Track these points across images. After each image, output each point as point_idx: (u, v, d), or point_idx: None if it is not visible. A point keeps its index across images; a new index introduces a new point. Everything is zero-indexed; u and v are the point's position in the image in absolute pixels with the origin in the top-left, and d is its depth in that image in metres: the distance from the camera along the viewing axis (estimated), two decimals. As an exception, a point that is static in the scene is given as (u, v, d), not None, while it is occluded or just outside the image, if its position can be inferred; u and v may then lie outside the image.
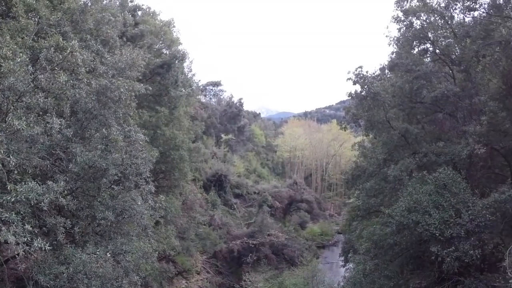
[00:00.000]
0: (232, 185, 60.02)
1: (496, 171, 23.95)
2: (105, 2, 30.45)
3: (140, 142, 17.21)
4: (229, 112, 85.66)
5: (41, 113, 12.75)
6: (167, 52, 40.50)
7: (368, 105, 29.01)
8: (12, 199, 10.77)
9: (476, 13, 26.64)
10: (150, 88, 26.70)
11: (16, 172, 11.28)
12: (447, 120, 26.57)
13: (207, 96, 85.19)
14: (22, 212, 11.13)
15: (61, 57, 13.04)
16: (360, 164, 33.60)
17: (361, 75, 29.31)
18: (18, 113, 11.28)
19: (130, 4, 38.81)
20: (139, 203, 16.60)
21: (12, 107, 11.47)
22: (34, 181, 11.27)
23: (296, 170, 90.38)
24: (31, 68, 12.19)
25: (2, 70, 11.44)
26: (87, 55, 14.67)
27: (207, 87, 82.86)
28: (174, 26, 43.04)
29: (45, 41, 13.61)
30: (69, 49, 13.36)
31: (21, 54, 12.00)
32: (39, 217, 12.76)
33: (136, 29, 34.71)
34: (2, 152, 10.25)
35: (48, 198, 11.32)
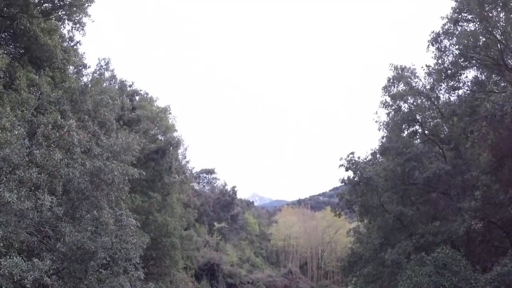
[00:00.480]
0: (225, 274, 57.91)
1: (495, 244, 23.45)
2: (105, 84, 31.62)
3: (131, 227, 16.87)
4: (223, 200, 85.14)
5: (33, 188, 12.59)
6: (162, 138, 41.24)
7: (362, 191, 29.16)
8: (-6, 272, 10.24)
9: (460, 92, 27.74)
10: (144, 173, 26.71)
11: (1, 244, 10.89)
12: (441, 199, 26.62)
13: (201, 184, 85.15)
14: (3, 287, 10.53)
15: (58, 135, 13.20)
16: (356, 250, 32.94)
17: (353, 161, 29.82)
18: (10, 185, 11.15)
19: (128, 89, 40.19)
20: (127, 289, 15.82)
21: (5, 178, 11.36)
22: (20, 257, 10.81)
23: (291, 259, 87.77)
24: (27, 142, 12.28)
25: (-1, 140, 11.51)
26: (83, 136, 14.87)
27: (200, 175, 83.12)
28: (170, 113, 44.31)
29: (44, 117, 13.87)
30: (66, 127, 13.58)
31: (19, 127, 12.16)
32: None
33: (133, 113, 35.61)
34: (-12, 223, 9.97)
35: (33, 276, 10.80)
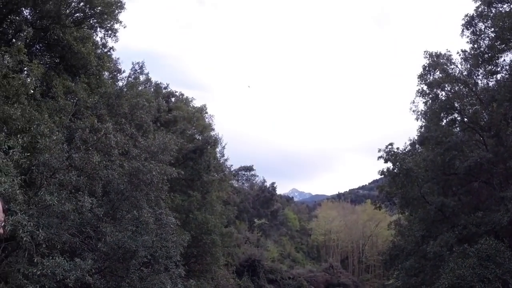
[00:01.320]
0: (265, 270, 58.00)
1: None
2: (140, 88, 32.37)
3: (171, 226, 17.24)
4: (262, 196, 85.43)
5: (73, 190, 13.11)
6: (200, 138, 41.78)
7: (401, 182, 28.54)
8: (38, 272, 10.77)
9: (499, 76, 26.68)
10: (183, 172, 27.27)
11: (44, 246, 11.41)
12: (483, 188, 25.74)
13: (240, 181, 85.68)
14: (47, 286, 11.05)
15: (95, 138, 13.66)
16: (397, 243, 32.32)
17: (392, 152, 29.23)
18: (51, 188, 11.66)
19: (164, 91, 40.94)
20: (168, 287, 16.20)
21: (45, 182, 11.90)
22: (62, 257, 11.30)
23: (332, 253, 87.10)
24: (66, 147, 12.79)
25: (38, 146, 12.05)
26: (120, 138, 15.30)
27: (239, 172, 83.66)
28: (206, 112, 44.88)
29: (81, 122, 14.39)
30: (103, 130, 14.04)
31: (57, 132, 12.67)
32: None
33: (169, 115, 36.25)
34: (32, 225, 10.47)
35: (75, 275, 11.26)
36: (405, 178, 27.68)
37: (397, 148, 29.39)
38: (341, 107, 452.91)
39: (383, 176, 29.81)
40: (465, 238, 23.17)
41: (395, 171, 28.16)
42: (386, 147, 29.06)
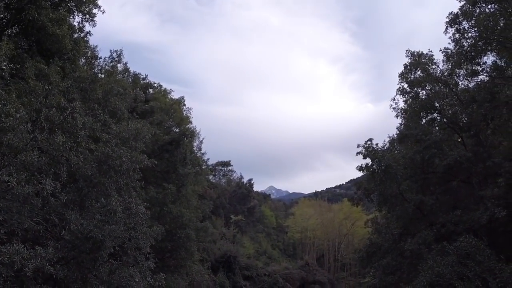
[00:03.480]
0: (241, 266, 57.51)
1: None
2: (118, 77, 31.34)
3: (141, 215, 16.38)
4: (239, 192, 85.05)
5: (36, 173, 12.19)
6: (177, 131, 40.95)
7: (380, 178, 28.28)
8: (-6, 259, 9.87)
9: (479, 78, 26.83)
10: (156, 162, 26.32)
11: (3, 232, 10.52)
12: (462, 187, 25.69)
13: (217, 176, 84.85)
14: (3, 275, 10.17)
15: (61, 118, 12.74)
16: (374, 241, 32.09)
17: (371, 148, 28.95)
18: (11, 170, 10.77)
19: (142, 82, 39.95)
20: (137, 280, 15.39)
21: (7, 163, 11.00)
22: (23, 245, 10.43)
23: (308, 251, 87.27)
24: (30, 127, 11.89)
25: (1, 126, 11.16)
26: (88, 119, 14.39)
27: (216, 167, 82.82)
28: (184, 105, 44.13)
29: (47, 100, 13.47)
30: (69, 109, 13.13)
31: (21, 110, 11.77)
32: (22, 283, 11.68)
33: (146, 105, 35.30)
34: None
35: (34, 264, 10.38)
36: (384, 175, 27.43)
37: (376, 144, 29.16)
38: (320, 107, 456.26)
39: (361, 171, 29.49)
40: (443, 236, 23.01)
41: (374, 167, 27.89)
42: (365, 142, 28.77)
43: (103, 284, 13.75)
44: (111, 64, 35.10)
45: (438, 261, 19.32)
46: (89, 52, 27.80)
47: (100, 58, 28.19)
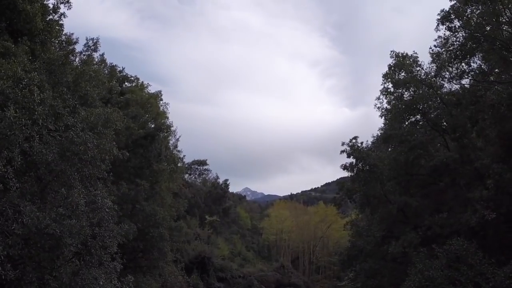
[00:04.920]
0: (216, 268, 56.22)
1: (508, 236, 21.88)
2: (94, 68, 29.43)
3: (107, 210, 14.78)
4: (214, 193, 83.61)
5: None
6: (152, 126, 39.32)
7: (365, 178, 27.53)
8: None
9: (464, 81, 26.61)
10: (128, 154, 24.81)
11: None
12: (448, 189, 25.06)
13: (192, 175, 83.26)
14: None
15: (16, 91, 11.05)
16: (356, 243, 31.28)
17: (356, 147, 28.20)
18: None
19: (119, 74, 38.08)
20: (101, 283, 13.82)
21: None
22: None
23: (283, 253, 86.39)
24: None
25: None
26: (48, 94, 12.65)
27: (192, 166, 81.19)
28: (161, 99, 42.36)
29: (1, 69, 11.77)
30: (25, 80, 11.44)
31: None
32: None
33: (121, 97, 33.49)
34: None
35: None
36: (369, 175, 26.65)
37: (361, 143, 28.39)
38: (297, 110, 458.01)
39: (346, 171, 28.67)
40: (429, 239, 22.27)
41: (359, 166, 27.07)
42: (350, 141, 28.04)
43: (64, 286, 12.07)
44: (87, 53, 33.05)
45: (428, 264, 18.48)
46: (63, 37, 25.95)
47: (76, 43, 26.12)
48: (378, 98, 30.96)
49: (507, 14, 22.50)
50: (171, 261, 39.53)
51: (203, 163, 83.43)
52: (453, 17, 24.16)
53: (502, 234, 20.44)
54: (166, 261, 36.44)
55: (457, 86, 28.53)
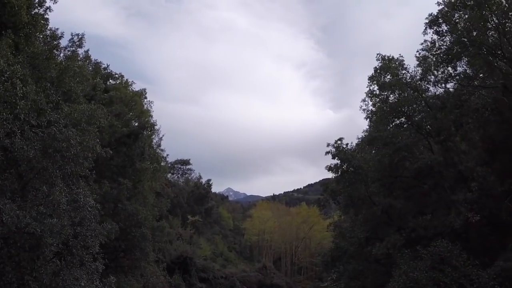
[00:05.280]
0: (198, 268, 55.76)
1: (491, 238, 22.17)
2: (78, 64, 28.83)
3: (89, 209, 14.41)
4: (197, 193, 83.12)
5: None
6: (136, 124, 38.79)
7: (350, 179, 27.60)
8: None
9: (448, 85, 26.90)
10: (111, 152, 24.35)
11: None
12: (432, 191, 25.25)
13: (175, 175, 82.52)
14: None
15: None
16: (340, 245, 31.33)
17: (341, 148, 28.24)
18: None
19: (103, 71, 37.46)
20: (83, 284, 13.43)
21: None
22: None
23: (265, 254, 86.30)
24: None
25: None
26: (31, 88, 12.23)
27: (175, 165, 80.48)
28: (145, 97, 41.89)
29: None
30: (7, 73, 11.04)
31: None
32: None
33: (105, 94, 32.90)
34: None
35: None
36: (354, 176, 26.71)
37: (346, 144, 28.46)
38: (281, 111, 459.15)
39: (330, 172, 28.68)
40: (413, 240, 22.39)
41: (344, 167, 27.12)
42: (335, 142, 28.08)
43: (44, 287, 11.66)
44: (72, 48, 32.34)
45: (412, 266, 18.56)
46: (48, 32, 25.37)
47: (61, 37, 25.47)
48: (364, 100, 31.16)
49: (494, 20, 22.74)
50: (153, 261, 39.05)
51: (186, 162, 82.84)
52: (441, 21, 24.41)
53: (485, 237, 20.66)
54: (148, 261, 35.98)
55: (442, 90, 28.94)
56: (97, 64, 38.00)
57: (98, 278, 14.98)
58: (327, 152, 27.91)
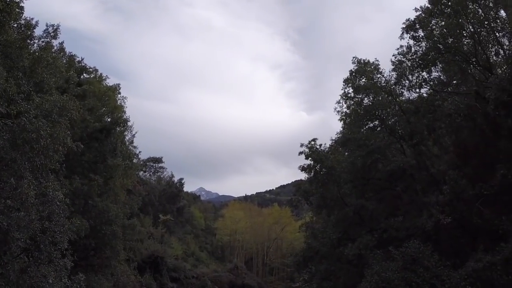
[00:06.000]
0: (169, 268, 55.09)
1: (462, 240, 22.69)
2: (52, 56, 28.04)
3: (58, 203, 14.00)
4: (169, 191, 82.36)
5: None
6: (109, 120, 38.08)
7: (323, 180, 27.77)
8: None
9: (422, 90, 27.45)
10: (82, 146, 23.79)
11: None
12: (404, 193, 25.69)
13: (147, 172, 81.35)
14: None
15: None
16: (312, 245, 31.50)
17: (315, 149, 28.39)
18: None
19: (77, 65, 36.59)
20: (51, 281, 13.03)
21: None
22: None
23: (236, 254, 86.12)
24: None
25: None
26: (1, 76, 11.74)
27: (147, 163, 79.37)
28: (119, 93, 41.12)
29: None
30: None
31: None
32: None
33: (78, 88, 32.14)
34: None
35: None
36: (327, 177, 26.92)
37: (320, 145, 28.64)
38: (255, 112, 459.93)
39: (304, 172, 28.84)
40: (384, 241, 22.71)
41: (317, 168, 27.30)
42: (309, 142, 28.22)
43: (11, 285, 11.25)
44: (46, 39, 31.38)
45: (385, 266, 18.82)
46: (23, 21, 24.51)
47: (36, 26, 24.64)
48: (338, 102, 31.37)
49: (469, 28, 23.31)
50: (123, 260, 38.42)
51: (158, 160, 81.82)
52: (418, 26, 24.83)
53: (456, 239, 21.10)
54: (118, 260, 35.43)
55: (416, 95, 29.46)
56: (72, 57, 37.08)
57: (66, 275, 14.58)
58: (301, 153, 28.07)
